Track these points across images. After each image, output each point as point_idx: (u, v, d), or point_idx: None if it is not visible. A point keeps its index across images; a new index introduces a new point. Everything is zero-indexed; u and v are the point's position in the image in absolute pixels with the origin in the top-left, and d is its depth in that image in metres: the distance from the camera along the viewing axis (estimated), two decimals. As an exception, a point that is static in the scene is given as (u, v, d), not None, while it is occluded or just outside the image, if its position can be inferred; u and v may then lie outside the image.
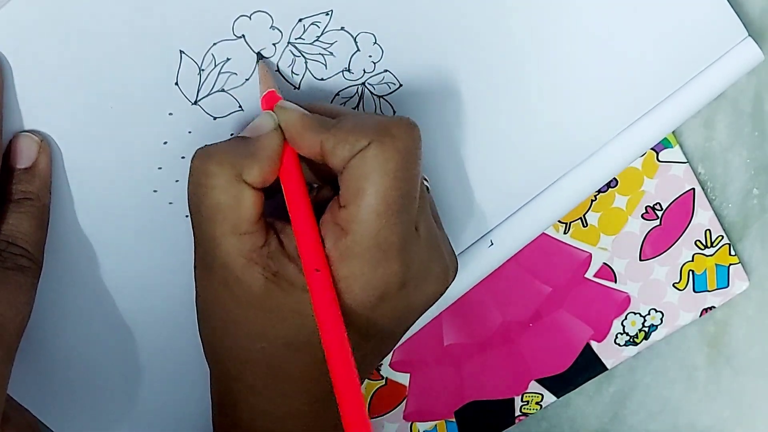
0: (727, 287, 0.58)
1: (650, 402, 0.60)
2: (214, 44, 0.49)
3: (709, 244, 0.58)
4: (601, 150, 0.53)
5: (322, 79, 0.50)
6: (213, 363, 0.47)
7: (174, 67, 0.49)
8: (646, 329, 0.59)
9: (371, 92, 0.51)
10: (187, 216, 0.50)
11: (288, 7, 0.49)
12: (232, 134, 0.50)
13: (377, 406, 0.59)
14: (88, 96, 0.48)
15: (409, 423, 0.59)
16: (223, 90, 0.49)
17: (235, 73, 0.49)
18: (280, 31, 0.49)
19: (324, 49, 0.50)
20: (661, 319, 0.58)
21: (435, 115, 0.52)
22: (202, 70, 0.49)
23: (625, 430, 0.61)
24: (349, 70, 0.50)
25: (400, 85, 0.51)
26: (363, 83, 0.51)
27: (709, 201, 0.57)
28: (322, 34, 0.49)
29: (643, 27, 0.52)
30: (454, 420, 0.60)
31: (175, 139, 0.50)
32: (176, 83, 0.49)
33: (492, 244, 0.54)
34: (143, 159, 0.50)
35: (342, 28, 0.49)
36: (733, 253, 0.58)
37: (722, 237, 0.57)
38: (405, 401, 0.59)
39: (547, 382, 0.59)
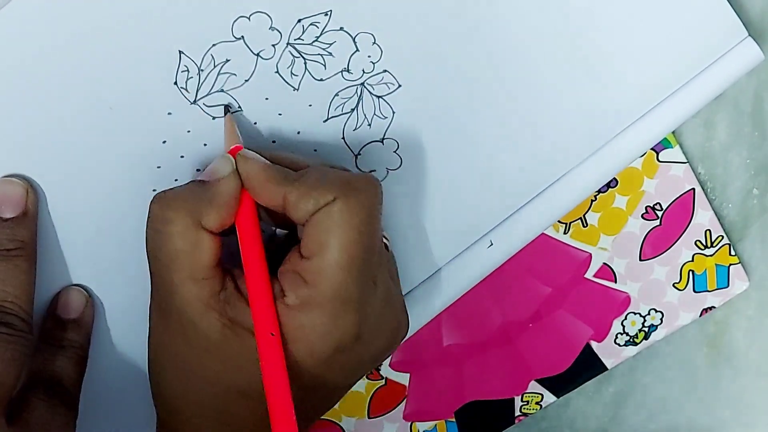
0: (727, 287, 0.58)
1: (650, 402, 0.60)
2: (214, 45, 0.49)
3: (709, 244, 0.58)
4: (600, 150, 0.53)
5: (321, 80, 0.50)
6: (161, 406, 0.47)
7: (173, 67, 0.49)
8: (646, 329, 0.59)
9: (370, 92, 0.51)
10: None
11: (287, 7, 0.49)
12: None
13: (377, 406, 0.59)
14: (88, 96, 0.48)
15: (409, 423, 0.59)
16: (222, 90, 0.49)
17: (234, 74, 0.49)
18: (280, 32, 0.49)
19: (323, 49, 0.50)
20: (661, 319, 0.58)
21: (434, 115, 0.52)
22: (202, 70, 0.49)
23: (625, 430, 0.61)
24: (348, 71, 0.50)
25: (399, 86, 0.51)
26: (362, 83, 0.51)
27: (709, 201, 0.57)
28: (321, 34, 0.49)
29: (642, 27, 0.52)
30: (454, 420, 0.60)
31: (174, 138, 0.50)
32: (175, 83, 0.49)
33: (492, 244, 0.54)
34: (142, 158, 0.50)
35: (341, 29, 0.49)
36: (733, 253, 0.58)
37: (722, 237, 0.57)
38: (405, 401, 0.59)
39: (547, 382, 0.59)
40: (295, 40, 0.49)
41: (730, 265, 0.58)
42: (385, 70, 0.51)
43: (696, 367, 0.60)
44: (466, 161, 0.53)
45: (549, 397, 0.59)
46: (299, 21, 0.49)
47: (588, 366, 0.59)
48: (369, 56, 0.50)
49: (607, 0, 0.51)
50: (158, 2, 0.48)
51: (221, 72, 0.49)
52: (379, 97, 0.51)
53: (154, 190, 0.50)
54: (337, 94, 0.51)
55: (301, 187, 0.43)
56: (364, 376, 0.58)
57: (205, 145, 0.50)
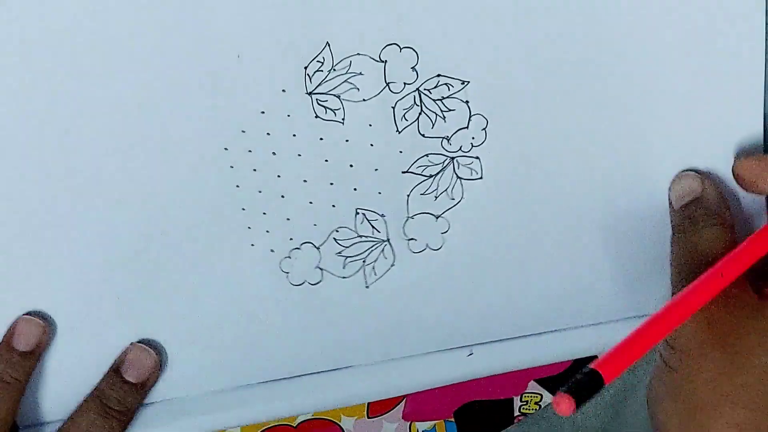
0: (725, 287, 0.62)
1: (651, 402, 0.63)
2: (358, 54, 0.49)
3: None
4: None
5: (423, 136, 0.51)
6: None
7: (312, 53, 0.48)
8: (645, 330, 0.61)
9: (454, 169, 0.52)
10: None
11: (436, 59, 0.49)
12: (321, 139, 0.50)
13: (376, 406, 0.60)
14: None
15: (408, 423, 0.61)
16: (338, 96, 0.49)
17: (357, 89, 0.49)
18: (417, 74, 0.49)
19: (441, 110, 0.50)
20: (660, 319, 0.61)
21: (489, 231, 0.54)
22: (334, 69, 0.49)
23: (625, 430, 0.62)
24: (449, 141, 0.51)
25: (480, 177, 0.52)
26: (453, 158, 0.52)
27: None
28: (448, 97, 0.50)
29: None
30: (453, 420, 0.61)
31: (272, 114, 0.49)
32: (305, 67, 0.49)
33: (471, 353, 0.56)
34: (232, 123, 0.49)
35: (466, 102, 0.50)
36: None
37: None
38: (404, 401, 0.60)
39: (547, 382, 0.61)
40: (425, 89, 0.49)
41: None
42: (477, 157, 0.52)
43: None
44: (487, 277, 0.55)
45: (548, 397, 0.61)
46: (439, 75, 0.49)
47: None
48: (473, 138, 0.51)
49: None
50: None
51: (348, 80, 0.49)
52: (459, 178, 0.52)
53: (226, 149, 0.50)
54: (427, 155, 0.51)
55: None
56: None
57: (294, 135, 0.50)
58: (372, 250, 0.53)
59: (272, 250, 0.52)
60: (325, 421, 0.59)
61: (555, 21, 0.50)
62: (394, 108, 0.50)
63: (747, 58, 0.52)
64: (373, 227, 0.52)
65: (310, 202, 0.51)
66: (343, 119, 0.50)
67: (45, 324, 0.49)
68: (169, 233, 0.50)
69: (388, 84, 0.49)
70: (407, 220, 0.52)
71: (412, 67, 0.49)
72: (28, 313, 0.49)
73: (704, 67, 0.52)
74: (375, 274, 0.53)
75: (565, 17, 0.50)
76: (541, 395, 0.61)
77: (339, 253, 0.53)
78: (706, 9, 0.51)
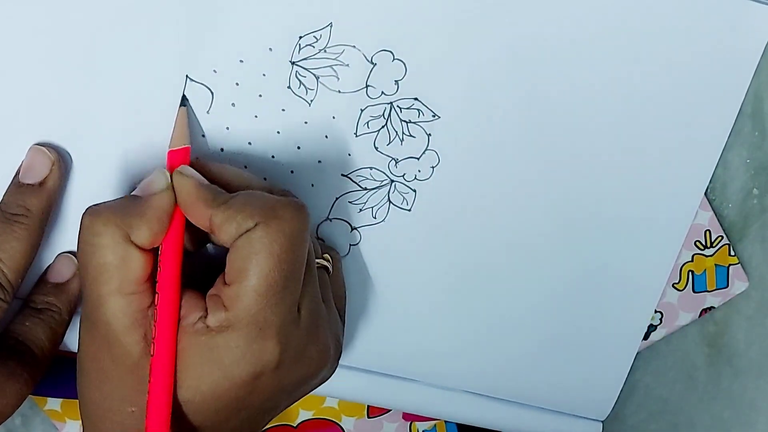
0: (726, 287, 0.58)
1: (650, 402, 0.60)
2: (353, 47, 0.49)
3: (708, 245, 0.58)
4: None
5: (376, 149, 0.52)
6: (84, 416, 0.46)
7: (313, 27, 0.49)
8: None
9: (389, 195, 0.52)
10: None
11: (421, 83, 0.50)
12: (283, 110, 0.51)
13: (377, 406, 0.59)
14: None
15: (408, 423, 0.59)
16: (317, 78, 0.50)
17: (338, 78, 0.50)
18: (398, 89, 0.50)
19: (403, 132, 0.51)
20: (661, 319, 0.58)
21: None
22: (325, 50, 0.49)
23: (625, 430, 0.61)
24: (396, 164, 0.52)
25: (409, 210, 0.53)
26: (392, 181, 0.52)
27: (709, 201, 0.57)
28: (414, 122, 0.51)
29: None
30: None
31: (250, 66, 0.50)
32: (300, 37, 0.49)
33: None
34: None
35: (429, 135, 0.52)
36: (732, 253, 0.58)
37: (722, 237, 0.58)
38: (404, 402, 0.59)
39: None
40: (398, 106, 0.51)
41: (730, 265, 0.58)
42: (414, 190, 0.53)
43: (696, 367, 0.60)
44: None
45: (548, 398, 0.59)
46: (416, 99, 0.51)
47: (588, 366, 0.59)
48: (419, 170, 0.52)
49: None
50: None
51: (333, 67, 0.50)
52: (390, 201, 0.53)
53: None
54: (371, 168, 0.52)
55: (226, 211, 0.43)
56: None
57: (260, 96, 0.50)
58: None
59: None
60: (325, 421, 0.59)
61: (552, 101, 0.51)
62: (362, 111, 0.50)
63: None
64: None
65: (245, 166, 0.51)
66: (311, 101, 0.50)
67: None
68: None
69: (367, 86, 0.50)
70: (325, 221, 0.52)
71: (396, 81, 0.50)
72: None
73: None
74: None
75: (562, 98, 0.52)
76: (542, 396, 0.59)
77: None
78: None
